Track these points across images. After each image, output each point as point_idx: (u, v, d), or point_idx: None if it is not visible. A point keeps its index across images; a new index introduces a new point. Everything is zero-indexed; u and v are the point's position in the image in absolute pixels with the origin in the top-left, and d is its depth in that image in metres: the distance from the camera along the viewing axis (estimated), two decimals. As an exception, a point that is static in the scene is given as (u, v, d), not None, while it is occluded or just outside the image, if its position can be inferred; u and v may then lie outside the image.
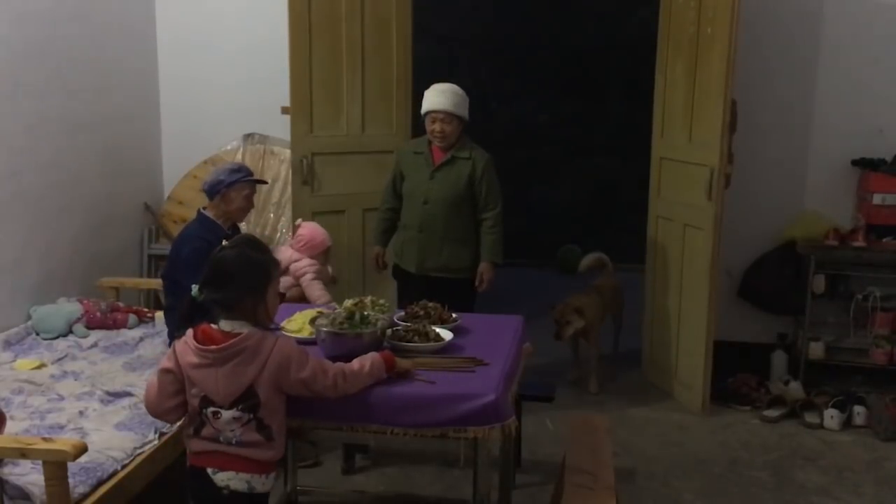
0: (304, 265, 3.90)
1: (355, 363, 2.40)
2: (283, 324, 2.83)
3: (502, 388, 2.40)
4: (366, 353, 2.49)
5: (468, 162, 3.90)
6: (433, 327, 2.81)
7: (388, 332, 2.74)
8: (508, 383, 2.53)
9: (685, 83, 4.39)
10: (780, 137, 4.73)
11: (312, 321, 2.73)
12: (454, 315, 2.98)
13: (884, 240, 4.46)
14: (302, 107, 4.39)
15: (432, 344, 2.71)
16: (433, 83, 3.91)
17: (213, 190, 3.67)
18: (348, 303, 2.94)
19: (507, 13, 7.51)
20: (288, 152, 4.67)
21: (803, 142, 4.73)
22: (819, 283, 4.52)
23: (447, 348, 2.71)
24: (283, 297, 3.49)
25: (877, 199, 4.44)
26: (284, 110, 4.55)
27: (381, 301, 2.99)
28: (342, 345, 2.57)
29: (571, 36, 7.44)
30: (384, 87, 4.58)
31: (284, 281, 3.80)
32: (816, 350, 4.53)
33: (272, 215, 4.97)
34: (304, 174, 4.44)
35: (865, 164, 4.54)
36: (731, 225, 4.38)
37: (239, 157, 5.01)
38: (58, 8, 4.28)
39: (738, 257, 4.76)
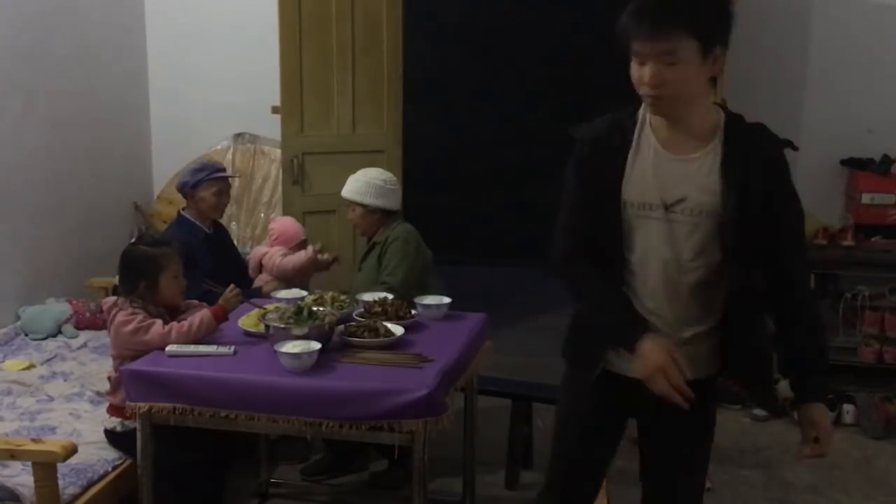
0: (271, 252, 3.77)
1: (185, 323, 2.68)
2: (239, 320, 2.84)
3: (436, 383, 2.38)
4: None
5: (380, 245, 3.50)
6: (386, 323, 2.79)
7: (341, 327, 2.73)
8: (447, 380, 2.51)
9: (675, 83, 4.40)
10: (770, 137, 4.74)
11: (263, 316, 2.72)
12: (413, 311, 2.95)
13: (872, 239, 4.47)
14: (292, 106, 4.38)
15: (380, 339, 2.69)
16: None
17: (182, 192, 3.68)
18: (309, 298, 2.95)
19: (498, 12, 7.51)
20: (278, 152, 4.66)
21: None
22: (808, 282, 4.53)
23: (395, 344, 2.69)
24: (259, 292, 3.51)
25: (865, 198, 4.46)
26: (275, 110, 4.53)
27: (343, 297, 3.00)
28: (289, 339, 2.57)
29: (562, 35, 7.44)
30: (375, 86, 4.57)
31: (261, 277, 3.80)
32: (806, 349, 4.54)
33: (262, 215, 4.96)
34: (295, 174, 4.43)
35: (854, 164, 4.56)
36: (720, 224, 4.38)
37: (229, 157, 5.00)
38: (46, 6, 4.26)
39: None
